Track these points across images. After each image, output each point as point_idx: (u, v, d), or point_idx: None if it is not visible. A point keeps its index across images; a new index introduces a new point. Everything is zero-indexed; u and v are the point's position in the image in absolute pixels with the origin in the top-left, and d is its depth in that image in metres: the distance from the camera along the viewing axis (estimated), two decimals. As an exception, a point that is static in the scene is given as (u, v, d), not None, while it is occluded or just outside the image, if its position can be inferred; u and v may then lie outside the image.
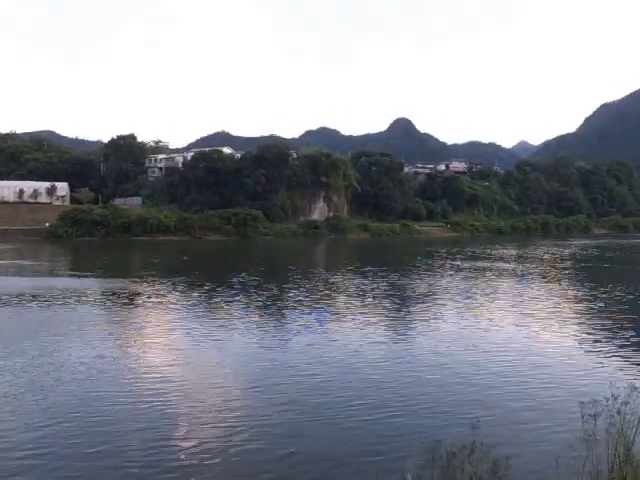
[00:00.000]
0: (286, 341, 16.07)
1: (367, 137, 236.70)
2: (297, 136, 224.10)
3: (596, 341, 16.65)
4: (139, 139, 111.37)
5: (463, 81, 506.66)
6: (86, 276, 32.26)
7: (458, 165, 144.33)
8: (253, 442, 9.02)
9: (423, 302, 23.87)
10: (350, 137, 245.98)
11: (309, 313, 20.78)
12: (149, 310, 21.62)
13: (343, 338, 16.44)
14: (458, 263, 43.77)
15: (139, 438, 9.06)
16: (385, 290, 27.21)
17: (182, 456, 8.46)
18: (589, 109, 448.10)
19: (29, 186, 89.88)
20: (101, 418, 9.91)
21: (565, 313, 21.63)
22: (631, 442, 5.80)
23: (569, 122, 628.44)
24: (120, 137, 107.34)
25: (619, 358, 14.65)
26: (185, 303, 22.93)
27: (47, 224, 73.82)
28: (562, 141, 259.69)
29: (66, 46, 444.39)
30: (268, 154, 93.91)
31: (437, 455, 5.25)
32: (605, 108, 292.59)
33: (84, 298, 23.65)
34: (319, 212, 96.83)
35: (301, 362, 13.78)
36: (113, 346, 15.10)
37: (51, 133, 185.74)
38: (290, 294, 25.73)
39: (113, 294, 25.15)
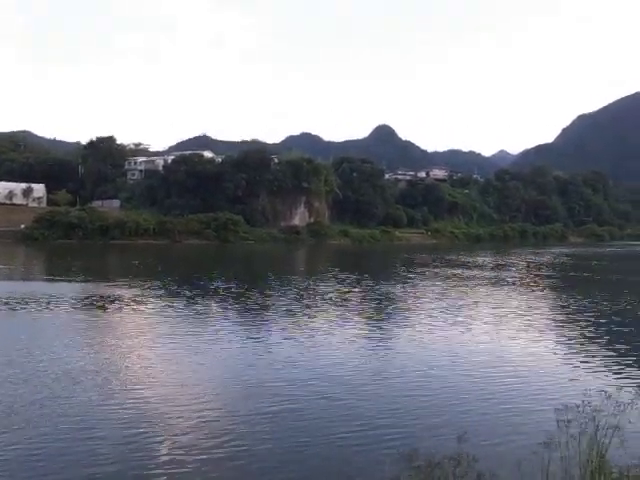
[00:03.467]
0: (265, 351, 15.77)
1: (349, 143, 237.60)
2: (279, 141, 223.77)
3: (573, 349, 16.78)
4: (118, 141, 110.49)
5: (444, 90, 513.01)
6: (61, 280, 31.61)
7: (438, 173, 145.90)
8: (234, 459, 8.85)
9: (402, 310, 23.85)
10: (332, 143, 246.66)
11: (287, 322, 20.65)
12: (124, 317, 21.22)
13: (323, 348, 16.24)
14: (437, 270, 44.05)
15: (117, 457, 8.79)
16: (365, 298, 27.19)
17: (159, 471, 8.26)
18: (566, 120, 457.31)
19: (4, 187, 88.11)
20: (77, 431, 9.60)
21: (542, 321, 21.82)
22: (605, 450, 5.80)
23: (547, 132, 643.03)
24: (99, 139, 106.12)
25: (595, 366, 14.76)
26: (161, 310, 22.52)
27: (22, 226, 72.42)
28: (540, 151, 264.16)
29: (45, 46, 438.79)
30: (249, 159, 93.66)
31: (415, 465, 5.21)
32: (582, 119, 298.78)
33: (58, 304, 23.10)
34: (300, 217, 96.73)
35: (281, 373, 13.52)
36: (87, 356, 14.68)
37: (28, 133, 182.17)
38: (269, 302, 25.52)
39: (88, 300, 24.63)
